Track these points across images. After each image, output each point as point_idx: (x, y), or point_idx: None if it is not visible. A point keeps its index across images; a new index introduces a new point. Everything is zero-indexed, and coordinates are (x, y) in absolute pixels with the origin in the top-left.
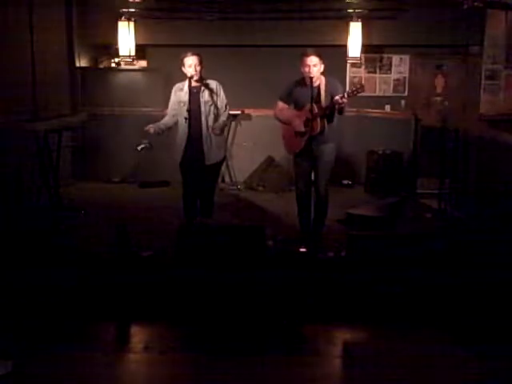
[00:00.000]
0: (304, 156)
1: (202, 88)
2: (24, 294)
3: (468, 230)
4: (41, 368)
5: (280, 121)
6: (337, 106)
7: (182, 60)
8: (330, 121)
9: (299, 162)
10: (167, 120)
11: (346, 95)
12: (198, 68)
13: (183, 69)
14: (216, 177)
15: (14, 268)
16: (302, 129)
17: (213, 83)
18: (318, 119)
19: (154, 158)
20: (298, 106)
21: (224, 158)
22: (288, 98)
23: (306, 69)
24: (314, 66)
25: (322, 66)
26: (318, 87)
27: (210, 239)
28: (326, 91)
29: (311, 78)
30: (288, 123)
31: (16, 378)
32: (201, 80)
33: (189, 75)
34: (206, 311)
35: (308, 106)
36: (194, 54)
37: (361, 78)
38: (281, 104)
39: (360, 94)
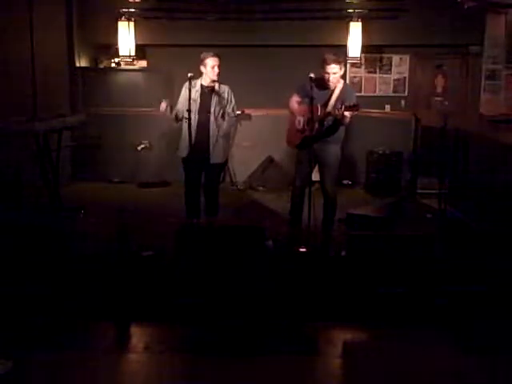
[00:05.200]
0: (304, 154)
1: (216, 90)
2: (24, 293)
3: (468, 230)
4: (41, 368)
5: (289, 111)
6: (337, 115)
7: (203, 59)
8: (331, 130)
9: (299, 159)
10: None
11: (342, 108)
12: (219, 69)
13: (203, 68)
14: (219, 176)
15: (13, 268)
16: (300, 127)
17: (225, 87)
18: (317, 123)
19: (154, 158)
20: (310, 104)
21: (227, 159)
22: (302, 93)
23: (326, 76)
24: (334, 73)
25: (343, 69)
26: (333, 92)
27: (209, 239)
28: (338, 98)
29: (328, 84)
30: (293, 116)
31: (16, 377)
32: (215, 82)
33: (210, 75)
34: (205, 311)
35: (315, 107)
36: (216, 55)
37: (361, 78)
38: (295, 96)
39: (360, 94)
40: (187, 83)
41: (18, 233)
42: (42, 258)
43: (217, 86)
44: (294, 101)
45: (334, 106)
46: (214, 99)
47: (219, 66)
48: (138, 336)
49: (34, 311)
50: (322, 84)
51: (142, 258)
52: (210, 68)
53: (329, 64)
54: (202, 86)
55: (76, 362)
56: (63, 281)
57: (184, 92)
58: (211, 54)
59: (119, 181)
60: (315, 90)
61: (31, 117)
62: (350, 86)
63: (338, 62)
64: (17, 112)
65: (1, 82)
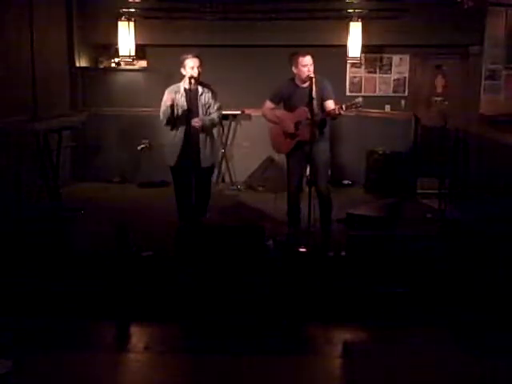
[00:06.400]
0: (296, 156)
1: (200, 91)
2: (24, 293)
3: (468, 230)
4: (41, 368)
5: (268, 119)
6: (337, 114)
7: (182, 61)
8: (322, 129)
9: (292, 161)
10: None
11: (343, 107)
12: (200, 70)
13: (183, 70)
14: (210, 178)
15: (14, 268)
16: (292, 130)
17: (209, 86)
18: (309, 125)
19: (154, 158)
20: (289, 107)
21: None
22: (277, 99)
23: (305, 68)
24: (311, 65)
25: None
26: (310, 88)
27: (209, 239)
28: (317, 93)
29: (311, 78)
30: (277, 123)
31: (16, 377)
32: (199, 82)
33: (189, 76)
34: (205, 311)
35: (301, 109)
36: (195, 56)
37: (361, 78)
38: (268, 103)
39: (360, 94)
40: (170, 89)
41: (18, 233)
42: (42, 258)
43: (200, 87)
44: (268, 109)
45: (317, 105)
46: (200, 102)
47: (200, 67)
48: (137, 336)
49: (33, 311)
50: (296, 84)
51: (142, 258)
52: (190, 69)
53: (304, 56)
54: (185, 89)
55: (76, 362)
56: (63, 281)
57: (166, 96)
58: (190, 55)
59: (119, 181)
60: (291, 91)
61: (31, 117)
62: (323, 78)
63: (311, 56)
64: (17, 112)
65: (1, 82)
